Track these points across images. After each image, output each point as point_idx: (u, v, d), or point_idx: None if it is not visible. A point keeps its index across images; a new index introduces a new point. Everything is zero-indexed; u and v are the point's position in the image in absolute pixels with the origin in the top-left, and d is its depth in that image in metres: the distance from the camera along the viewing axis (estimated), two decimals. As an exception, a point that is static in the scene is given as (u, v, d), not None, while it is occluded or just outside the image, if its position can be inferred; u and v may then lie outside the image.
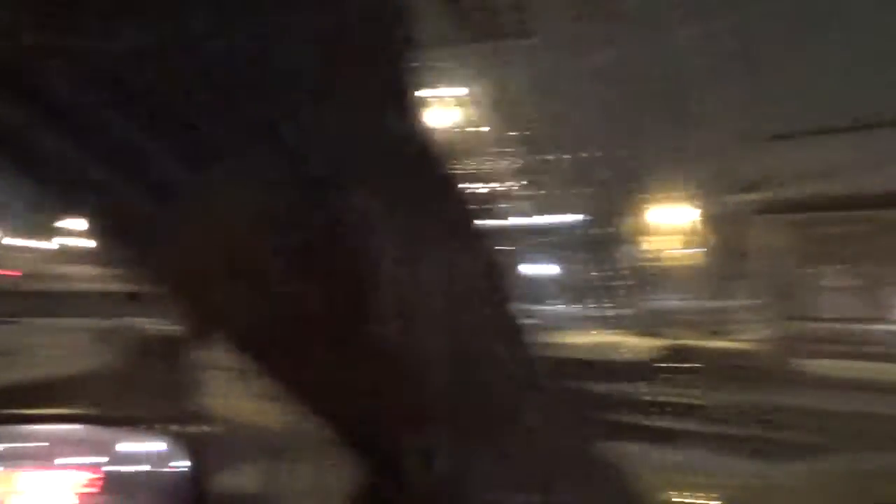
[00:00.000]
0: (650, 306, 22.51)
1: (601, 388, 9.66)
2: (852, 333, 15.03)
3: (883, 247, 15.68)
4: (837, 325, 15.58)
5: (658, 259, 21.92)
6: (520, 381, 0.62)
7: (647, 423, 7.50)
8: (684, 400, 9.05)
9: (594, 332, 19.45)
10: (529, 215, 45.55)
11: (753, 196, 17.56)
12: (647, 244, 22.26)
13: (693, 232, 23.41)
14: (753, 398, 9.33)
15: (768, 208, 16.58)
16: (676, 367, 12.53)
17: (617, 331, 20.10)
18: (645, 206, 23.35)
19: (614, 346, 15.37)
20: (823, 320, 16.03)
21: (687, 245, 21.99)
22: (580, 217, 42.55)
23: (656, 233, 22.20)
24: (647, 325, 19.88)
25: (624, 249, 26.42)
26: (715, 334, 19.96)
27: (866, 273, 16.16)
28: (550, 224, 44.82)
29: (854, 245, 16.27)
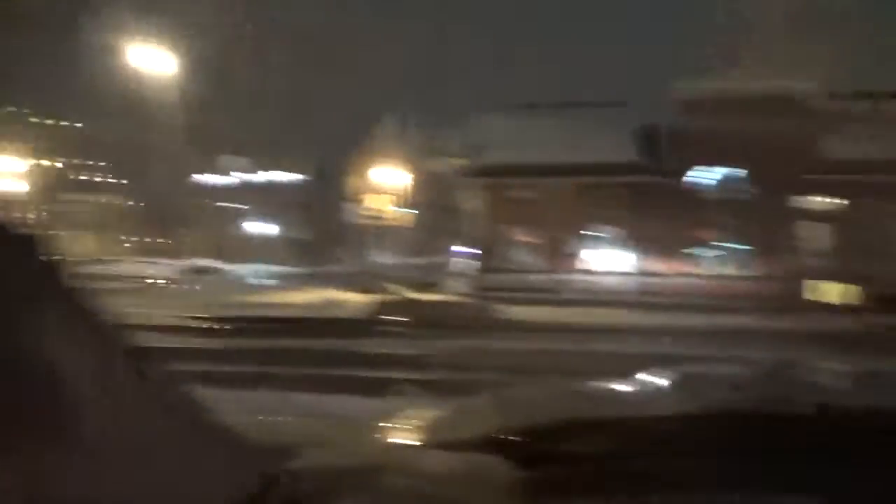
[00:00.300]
0: (368, 264, 23.40)
1: (321, 344, 9.81)
2: (540, 282, 17.27)
3: (563, 209, 18.17)
4: (528, 276, 17.76)
5: (376, 218, 22.81)
6: (86, 373, 0.57)
7: (365, 374, 7.81)
8: (400, 351, 9.59)
9: (315, 291, 19.60)
10: (250, 173, 43.65)
11: (460, 161, 19.10)
12: (366, 204, 23.01)
13: (407, 193, 24.74)
14: (460, 344, 10.24)
15: (472, 173, 18.12)
16: (393, 321, 13.24)
17: (337, 288, 20.49)
18: (363, 167, 23.97)
19: (335, 303, 15.67)
20: (517, 272, 18.14)
21: (401, 205, 23.23)
22: (300, 176, 41.98)
23: (374, 193, 23.01)
24: (365, 281, 20.59)
25: (343, 209, 26.88)
26: (426, 288, 21.44)
27: (549, 231, 18.63)
28: (271, 182, 43.52)
29: (539, 207, 18.63)
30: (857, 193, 16.65)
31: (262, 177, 43.12)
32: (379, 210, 22.93)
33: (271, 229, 41.89)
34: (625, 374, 1.54)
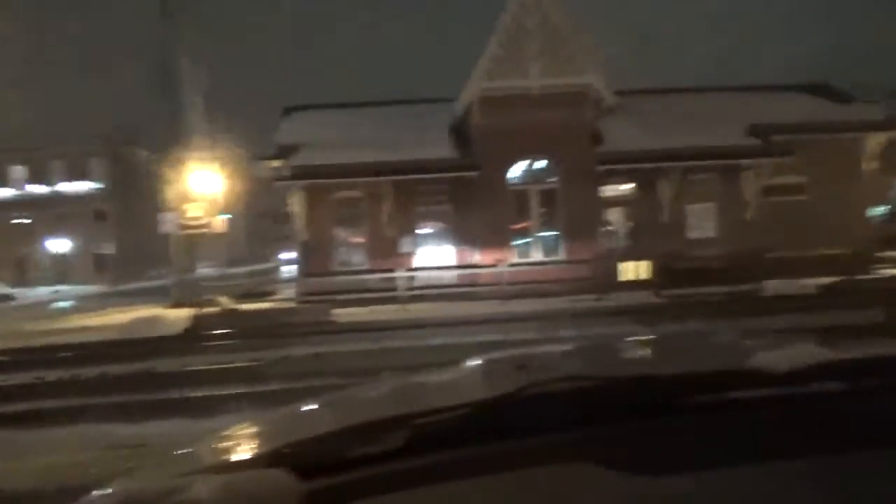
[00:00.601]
0: (187, 276, 22.02)
1: (130, 367, 9.07)
2: (368, 282, 17.29)
3: (387, 208, 18.32)
4: (356, 277, 17.71)
5: (193, 227, 21.50)
6: None
7: (187, 395, 7.36)
8: (226, 365, 9.14)
9: (127, 310, 18.08)
10: (39, 184, 39.18)
11: (276, 164, 18.51)
12: (180, 212, 21.58)
13: (226, 199, 23.57)
14: (291, 352, 9.99)
15: (290, 175, 17.66)
16: (217, 334, 12.58)
17: (154, 305, 19.06)
18: (175, 173, 22.48)
19: (150, 321, 14.58)
20: (344, 273, 18.02)
21: (220, 212, 22.06)
22: (98, 185, 38.37)
23: (189, 200, 21.66)
24: (184, 295, 19.38)
25: (154, 218, 24.98)
26: (252, 297, 20.63)
27: (375, 230, 18.68)
28: (64, 193, 39.37)
29: (362, 206, 18.64)
30: (644, 180, 18.55)
31: (54, 188, 38.60)
32: (196, 218, 21.64)
33: (71, 246, 37.77)
34: (451, 365, 1.61)
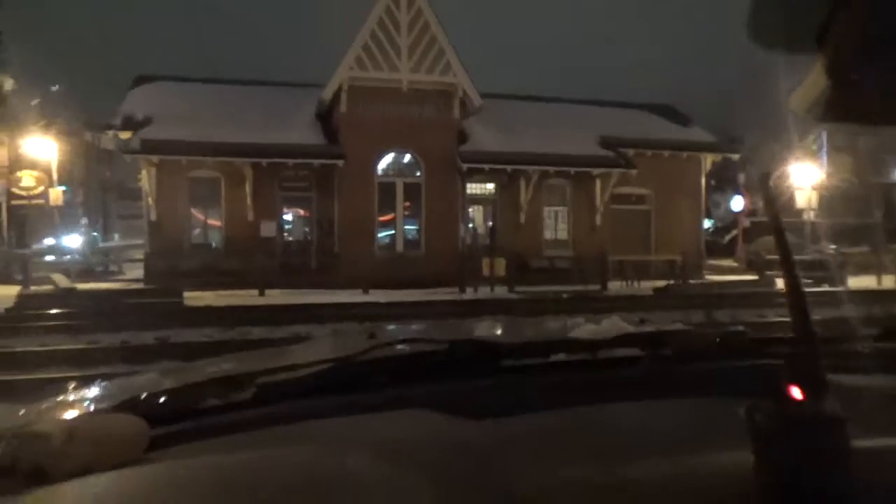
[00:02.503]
0: (15, 251, 20.05)
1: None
2: (221, 265, 16.54)
3: (239, 192, 17.63)
4: (213, 260, 16.89)
5: (24, 198, 19.57)
6: None
7: (14, 378, 6.74)
8: (61, 347, 8.47)
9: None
10: None
11: (125, 135, 17.27)
12: (8, 182, 19.61)
13: (64, 169, 21.67)
14: (133, 336, 9.42)
15: (140, 149, 16.54)
16: (49, 315, 11.58)
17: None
18: (5, 137, 20.38)
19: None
20: (199, 255, 17.15)
21: (57, 183, 20.24)
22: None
23: (20, 168, 19.68)
24: (10, 271, 17.64)
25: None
26: (94, 276, 19.16)
27: (227, 213, 17.93)
28: None
29: (216, 189, 17.85)
30: (504, 180, 19.28)
31: None
32: (29, 188, 19.78)
33: None
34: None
